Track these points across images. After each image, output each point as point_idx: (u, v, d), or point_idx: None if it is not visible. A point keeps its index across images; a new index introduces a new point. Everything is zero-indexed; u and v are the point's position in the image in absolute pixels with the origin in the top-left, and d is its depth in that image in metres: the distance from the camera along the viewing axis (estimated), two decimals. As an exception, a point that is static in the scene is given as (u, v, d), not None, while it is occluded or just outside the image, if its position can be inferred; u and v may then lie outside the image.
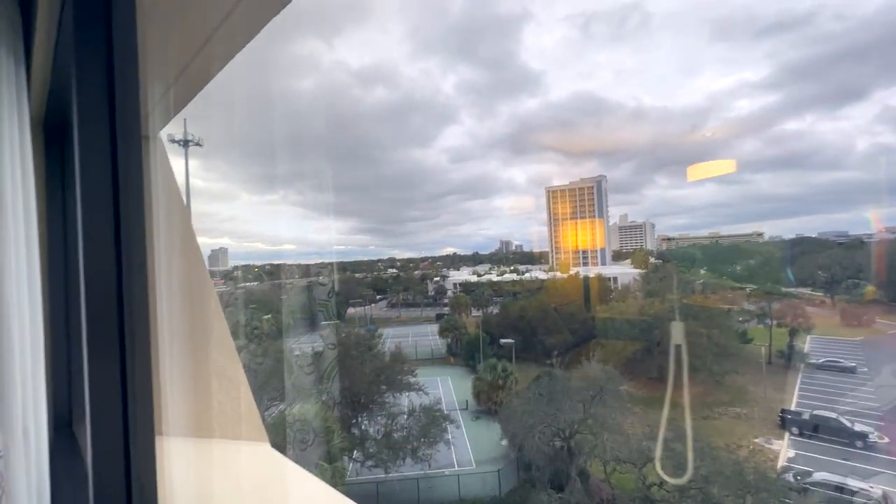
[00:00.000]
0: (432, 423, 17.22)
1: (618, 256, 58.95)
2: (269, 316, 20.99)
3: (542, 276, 44.25)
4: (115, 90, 0.99)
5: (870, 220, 33.75)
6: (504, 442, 18.78)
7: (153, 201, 1.51)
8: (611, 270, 44.97)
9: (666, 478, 11.80)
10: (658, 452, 11.41)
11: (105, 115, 0.99)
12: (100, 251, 0.94)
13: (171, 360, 1.49)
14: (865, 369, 22.45)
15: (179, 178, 1.92)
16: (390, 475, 16.24)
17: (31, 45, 1.39)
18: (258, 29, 1.16)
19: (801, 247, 36.52)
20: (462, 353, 31.54)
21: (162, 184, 1.66)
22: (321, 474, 12.03)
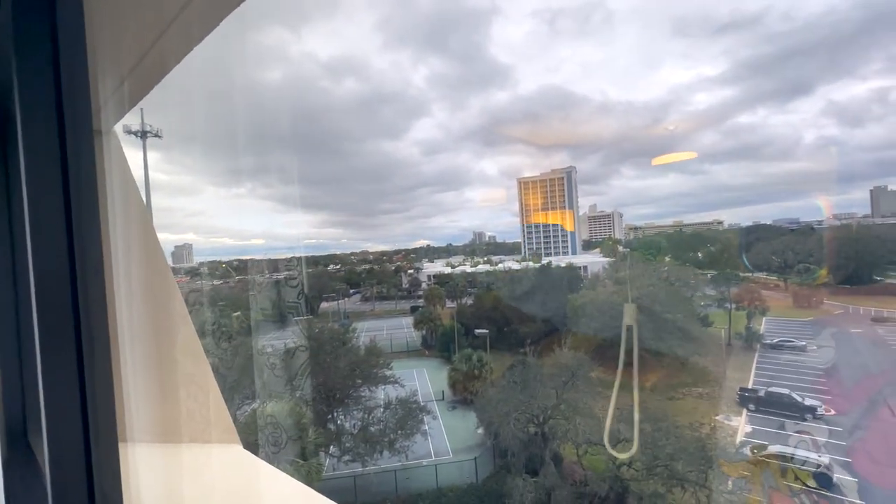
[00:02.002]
0: (409, 414, 17.30)
1: (587, 246, 60.42)
2: (239, 313, 20.43)
3: (515, 266, 44.86)
4: (61, 83, 0.94)
5: (820, 208, 35.96)
6: (480, 430, 19.11)
7: (108, 199, 1.44)
8: (581, 259, 46.06)
9: (613, 452, 12.51)
10: (607, 427, 12.08)
11: (52, 109, 0.93)
12: (51, 253, 0.89)
13: (134, 365, 1.44)
14: (815, 347, 24.04)
15: (138, 172, 1.84)
16: (368, 468, 16.25)
17: (-36, 32, 1.29)
18: (217, 21, 1.12)
19: (757, 233, 38.48)
20: (437, 344, 31.72)
21: (117, 180, 1.58)
22: (296, 472, 11.91)
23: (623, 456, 12.44)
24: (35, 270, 0.90)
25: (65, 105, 0.94)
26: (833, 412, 17.69)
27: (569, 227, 56.84)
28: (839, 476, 13.92)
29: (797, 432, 16.88)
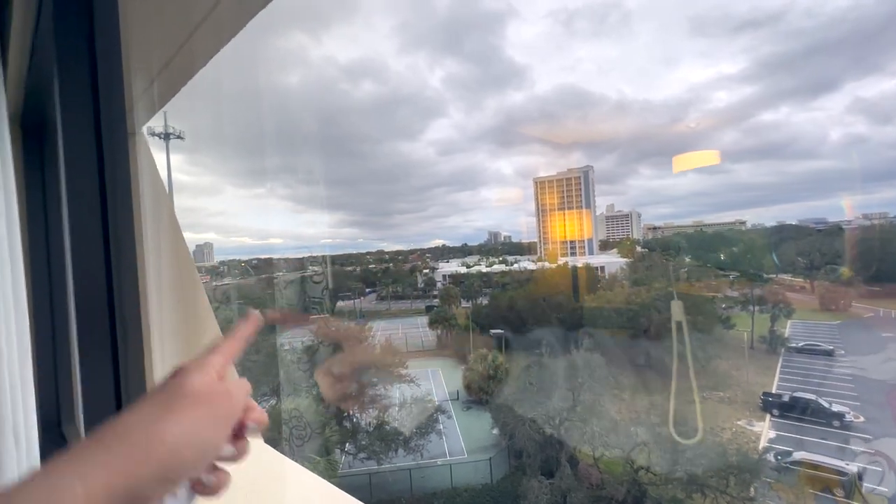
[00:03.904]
0: (424, 413, 17.38)
1: (605, 246, 59.50)
2: (258, 311, 20.80)
3: (531, 266, 44.53)
4: (98, 85, 0.98)
5: (844, 208, 34.73)
6: (495, 431, 19.04)
7: (140, 198, 1.48)
8: (598, 260, 45.47)
9: (680, 440, 12.49)
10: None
11: (89, 110, 0.97)
12: (89, 251, 0.93)
13: (164, 360, 1.48)
14: (843, 352, 23.18)
15: (162, 173, 1.89)
16: (383, 466, 16.37)
17: (6, 37, 1.35)
18: (243, 23, 1.14)
19: (782, 234, 37.33)
20: (452, 344, 31.71)
21: (147, 180, 1.63)
22: (314, 468, 12.08)
23: (689, 442, 12.50)
24: (74, 268, 0.94)
25: (101, 107, 0.97)
26: (862, 419, 17.03)
27: (587, 233, 56.04)
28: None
29: (824, 439, 16.29)
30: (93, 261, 0.93)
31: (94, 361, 0.93)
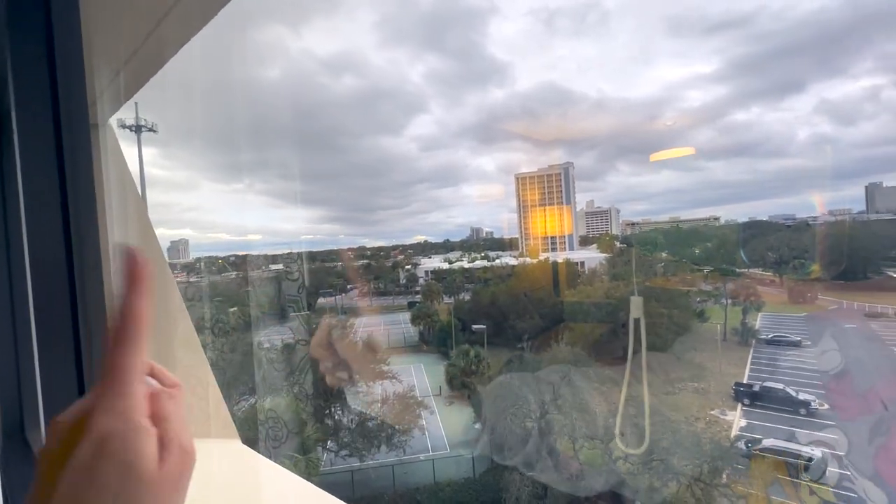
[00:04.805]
0: (406, 409, 17.38)
1: (585, 241, 60.40)
2: (235, 309, 20.35)
3: (513, 262, 44.91)
4: (56, 73, 0.93)
5: (814, 204, 36.13)
6: (477, 425, 19.19)
7: (105, 193, 1.42)
8: (578, 255, 46.13)
9: (623, 448, 12.53)
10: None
11: (47, 101, 0.92)
12: (48, 248, 0.88)
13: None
14: (809, 343, 24.19)
15: (133, 167, 1.82)
16: (365, 463, 16.31)
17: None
18: (214, 12, 1.10)
19: (753, 230, 38.56)
20: (434, 339, 31.76)
21: (114, 174, 1.56)
22: (295, 466, 11.94)
23: (635, 451, 12.55)
24: (32, 266, 0.89)
25: (60, 98, 0.92)
26: (826, 407, 17.83)
27: (568, 229, 56.85)
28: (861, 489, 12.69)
29: (792, 426, 16.97)
30: (53, 259, 0.88)
31: (55, 366, 0.89)
